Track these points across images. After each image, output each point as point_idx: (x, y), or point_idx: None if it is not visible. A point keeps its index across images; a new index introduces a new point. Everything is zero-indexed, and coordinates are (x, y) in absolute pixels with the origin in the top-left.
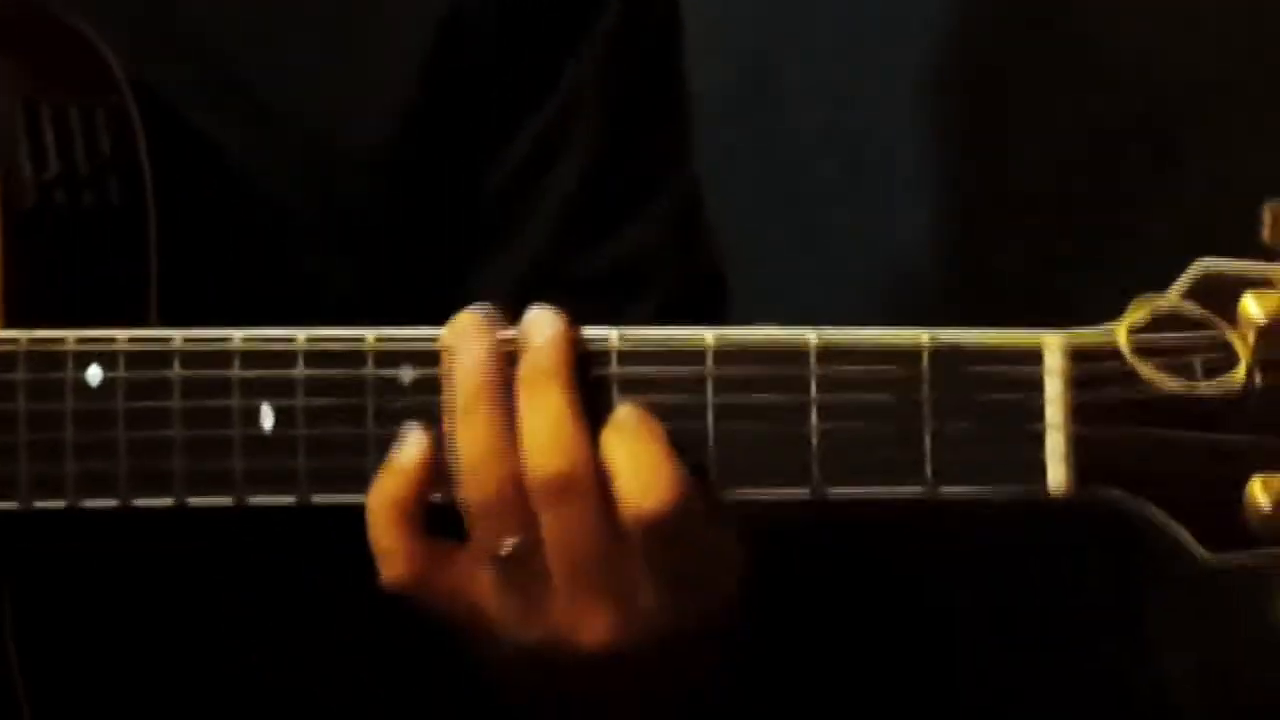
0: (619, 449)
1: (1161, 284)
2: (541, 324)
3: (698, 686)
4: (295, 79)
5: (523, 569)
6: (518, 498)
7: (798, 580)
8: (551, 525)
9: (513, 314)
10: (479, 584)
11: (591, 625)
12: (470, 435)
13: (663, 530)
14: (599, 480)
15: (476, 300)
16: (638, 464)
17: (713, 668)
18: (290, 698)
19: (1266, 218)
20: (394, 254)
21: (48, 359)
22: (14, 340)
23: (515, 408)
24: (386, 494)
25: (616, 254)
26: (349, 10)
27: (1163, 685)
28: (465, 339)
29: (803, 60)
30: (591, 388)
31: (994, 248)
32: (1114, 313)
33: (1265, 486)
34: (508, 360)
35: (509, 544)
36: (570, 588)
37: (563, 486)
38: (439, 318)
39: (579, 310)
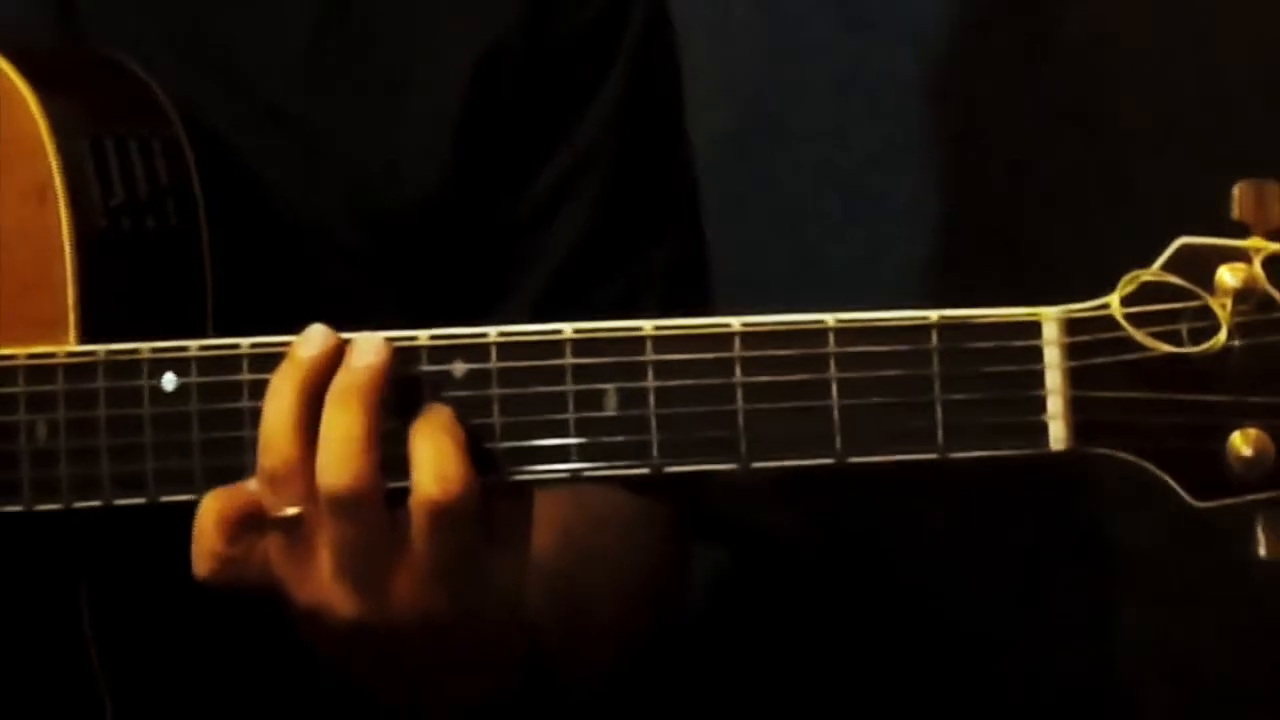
0: (423, 441)
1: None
2: (366, 350)
3: (479, 690)
4: (341, 111)
5: (296, 537)
6: (301, 477)
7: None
8: (330, 526)
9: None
10: (265, 548)
11: (346, 604)
12: (272, 410)
13: (443, 518)
14: (382, 496)
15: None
16: (437, 457)
17: (494, 674)
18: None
19: (1236, 196)
20: (431, 276)
21: (125, 368)
22: (92, 352)
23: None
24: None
25: (622, 284)
26: (392, 47)
27: (1133, 681)
28: (308, 336)
29: (802, 105)
30: (414, 397)
31: (977, 277)
32: None
33: (1245, 438)
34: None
35: (286, 511)
36: (334, 570)
37: (347, 501)
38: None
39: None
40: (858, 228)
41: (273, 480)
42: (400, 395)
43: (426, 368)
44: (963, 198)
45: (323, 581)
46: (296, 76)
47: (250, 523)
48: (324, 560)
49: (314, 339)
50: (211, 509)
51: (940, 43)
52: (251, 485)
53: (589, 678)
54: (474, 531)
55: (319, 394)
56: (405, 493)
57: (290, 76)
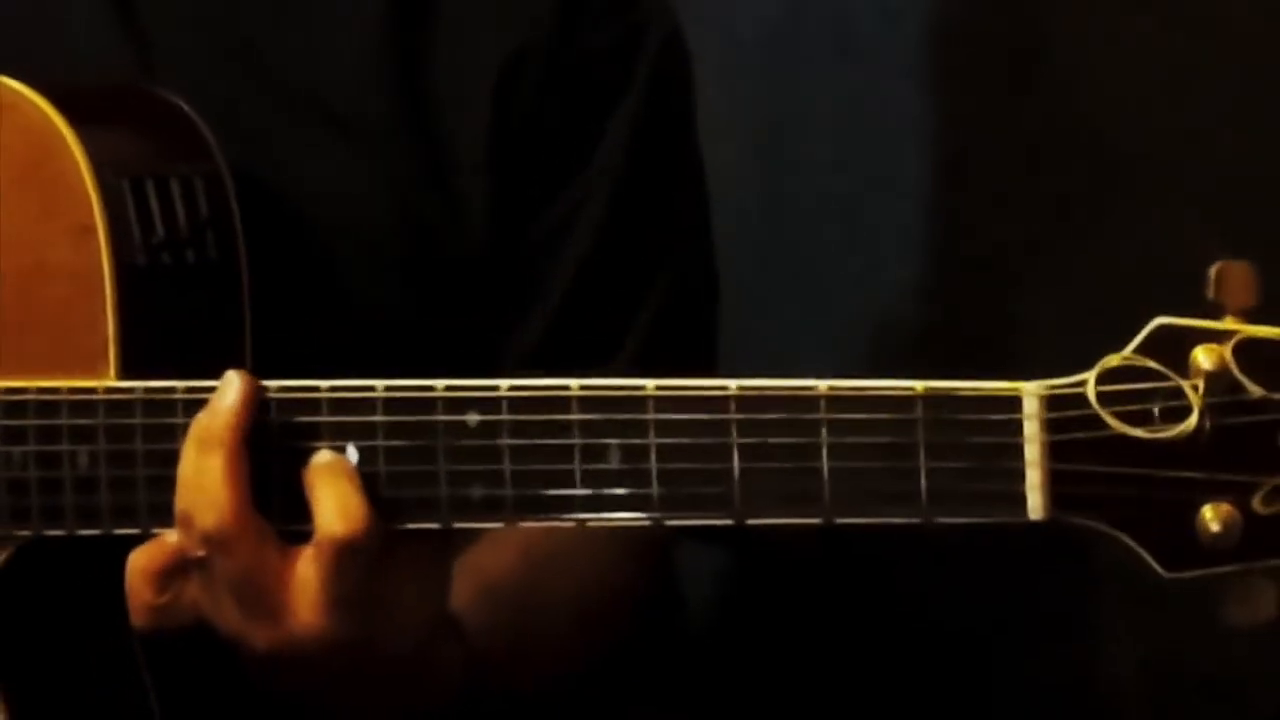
0: (320, 485)
1: (1096, 325)
2: (225, 391)
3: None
4: (392, 127)
5: (209, 575)
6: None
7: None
8: (213, 561)
9: (541, 360)
10: (190, 590)
11: (256, 634)
12: (185, 459)
13: (345, 553)
14: (253, 529)
15: (516, 340)
16: (340, 496)
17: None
18: None
19: (1212, 277)
20: (462, 294)
21: (160, 406)
22: (131, 389)
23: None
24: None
25: (627, 304)
26: (437, 64)
27: (1115, 680)
28: (228, 388)
29: (803, 136)
30: (292, 434)
31: (964, 299)
32: (1059, 351)
33: (1215, 513)
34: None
35: (199, 551)
36: (236, 603)
37: (217, 537)
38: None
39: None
40: (854, 251)
41: (184, 524)
42: (301, 444)
43: (441, 416)
44: (953, 223)
45: (232, 615)
46: (359, 91)
47: (174, 570)
48: (226, 595)
49: (224, 390)
50: (137, 566)
51: (932, 78)
52: (172, 535)
53: (546, 688)
54: (374, 566)
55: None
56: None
57: (352, 92)
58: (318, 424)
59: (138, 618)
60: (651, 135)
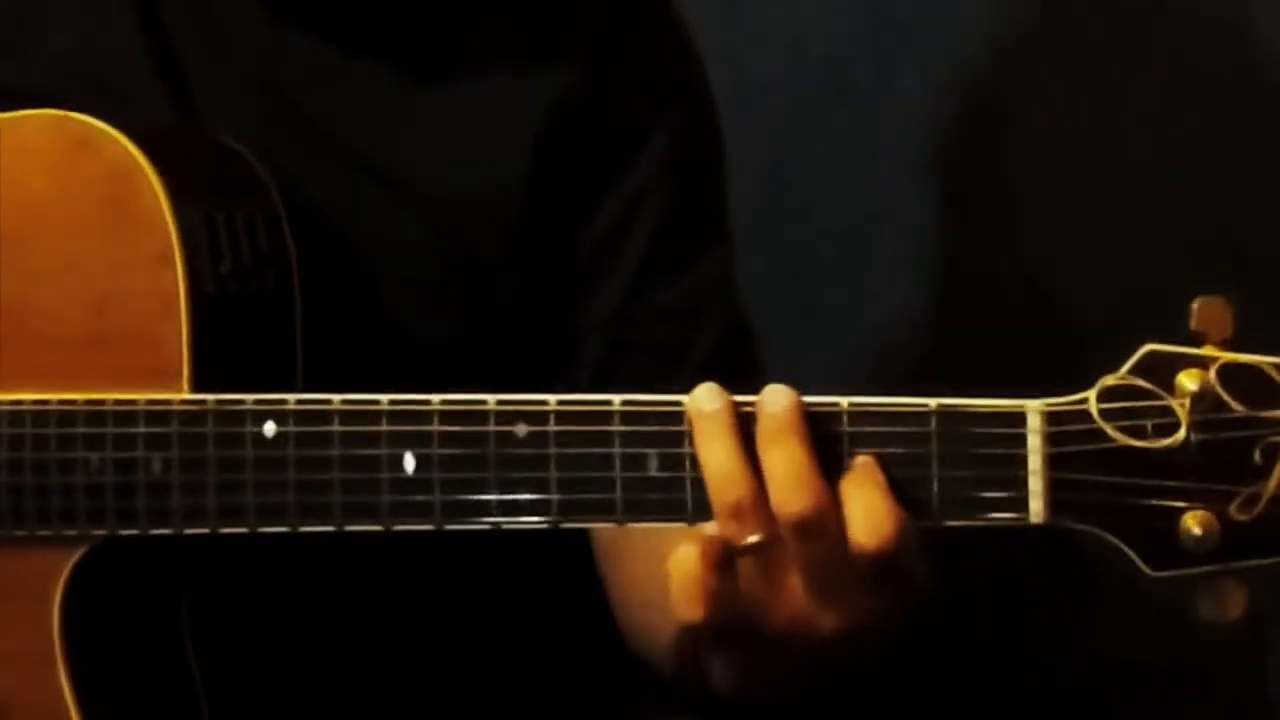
0: (851, 494)
1: (1084, 348)
2: (778, 394)
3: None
4: (424, 159)
5: (764, 562)
6: (757, 505)
7: None
8: (798, 551)
9: (605, 344)
10: (737, 581)
11: (829, 616)
12: (713, 459)
13: (883, 563)
14: (839, 516)
15: (577, 338)
16: (866, 508)
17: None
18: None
19: (1194, 310)
20: (508, 303)
21: (231, 416)
22: (203, 401)
23: (759, 456)
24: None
25: (680, 294)
26: (471, 95)
27: (1089, 674)
28: (702, 394)
29: (805, 171)
30: (822, 443)
31: (958, 326)
32: (1050, 375)
33: (1195, 519)
34: (739, 414)
35: (751, 539)
36: (808, 587)
37: (809, 523)
38: (544, 357)
39: (657, 341)
40: (850, 277)
41: (736, 514)
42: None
43: (492, 427)
44: (941, 251)
45: (798, 599)
46: (382, 131)
47: (723, 561)
48: (795, 580)
49: (711, 395)
50: (692, 554)
51: (923, 116)
52: (709, 529)
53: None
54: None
55: (740, 437)
56: None
57: (376, 131)
58: (378, 433)
59: (695, 607)
60: (688, 161)
